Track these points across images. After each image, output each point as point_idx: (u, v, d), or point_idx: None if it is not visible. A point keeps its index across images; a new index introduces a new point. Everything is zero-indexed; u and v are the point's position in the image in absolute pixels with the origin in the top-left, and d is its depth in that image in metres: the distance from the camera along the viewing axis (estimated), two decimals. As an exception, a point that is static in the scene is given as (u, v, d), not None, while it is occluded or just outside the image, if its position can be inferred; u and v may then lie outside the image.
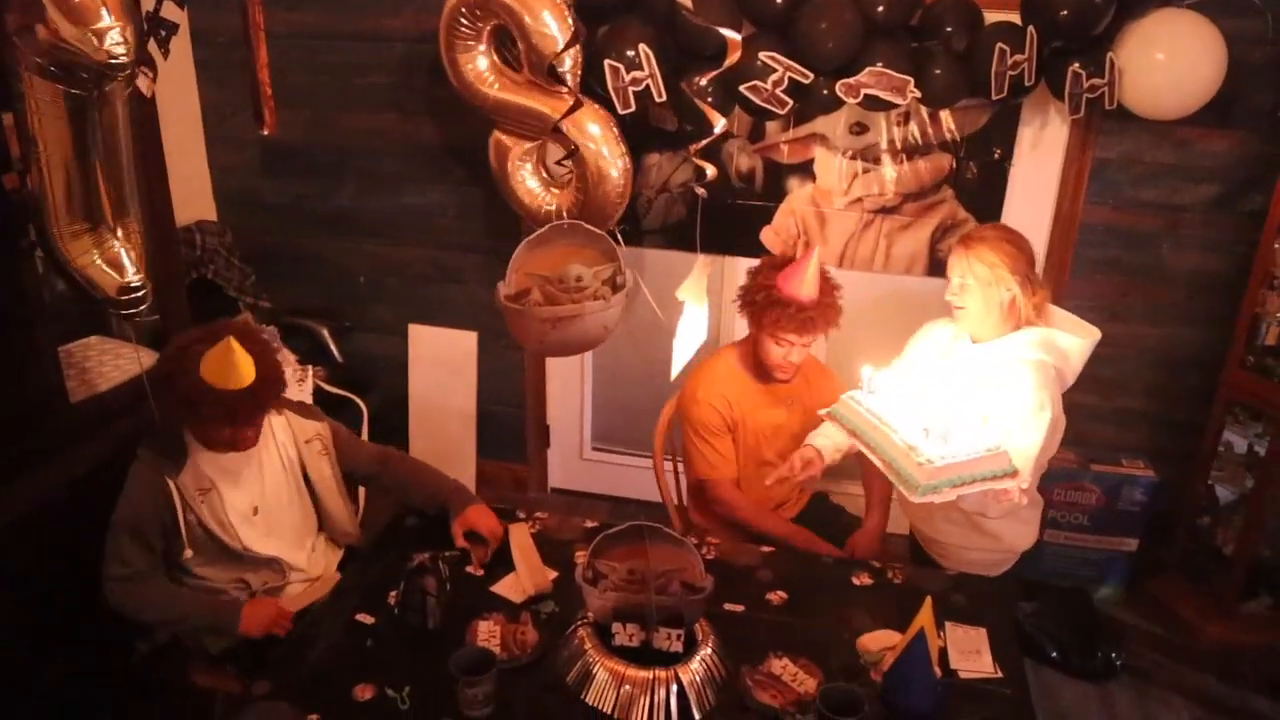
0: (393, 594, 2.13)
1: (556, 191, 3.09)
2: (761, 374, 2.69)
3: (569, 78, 2.84)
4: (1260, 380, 3.09)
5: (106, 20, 1.88)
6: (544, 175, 3.13)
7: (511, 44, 2.91)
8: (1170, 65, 2.81)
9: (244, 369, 2.09)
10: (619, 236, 3.06)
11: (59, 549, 2.38)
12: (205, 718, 2.35)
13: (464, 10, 2.84)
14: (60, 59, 1.91)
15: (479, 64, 2.96)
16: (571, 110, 2.86)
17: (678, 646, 1.83)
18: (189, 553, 2.23)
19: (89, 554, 2.22)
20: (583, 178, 2.95)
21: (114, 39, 1.90)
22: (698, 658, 1.86)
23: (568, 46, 2.73)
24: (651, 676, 1.81)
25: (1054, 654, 3.19)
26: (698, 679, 1.84)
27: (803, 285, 2.49)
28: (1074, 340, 2.25)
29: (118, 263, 2.17)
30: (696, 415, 2.67)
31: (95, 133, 2.05)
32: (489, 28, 2.89)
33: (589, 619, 1.92)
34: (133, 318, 2.28)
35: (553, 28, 2.76)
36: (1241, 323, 3.19)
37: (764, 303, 2.52)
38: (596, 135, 2.92)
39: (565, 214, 3.00)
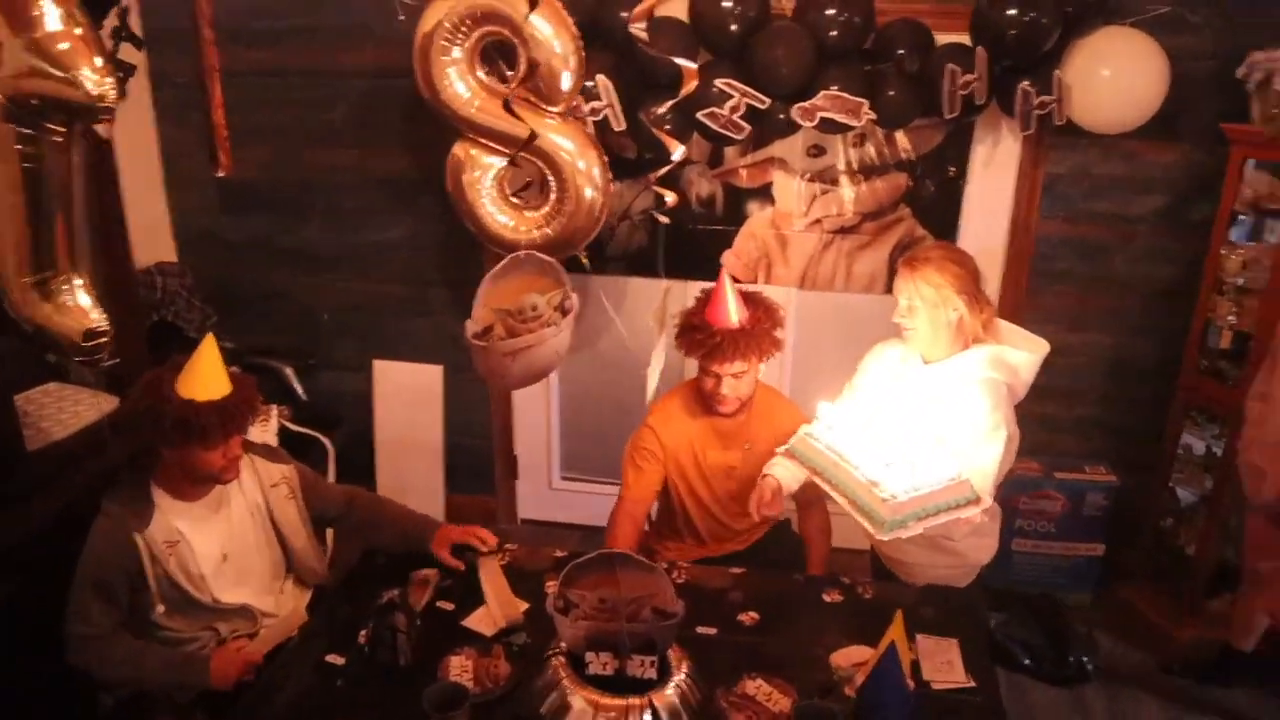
0: (363, 633, 2.11)
1: (530, 215, 3.00)
2: (711, 410, 2.56)
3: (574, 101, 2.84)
4: (1215, 384, 3.15)
5: (99, 62, 1.88)
6: (513, 198, 3.06)
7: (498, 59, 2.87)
8: (1116, 81, 2.89)
9: (222, 373, 2.11)
10: (586, 260, 3.07)
11: (17, 602, 2.34)
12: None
13: (454, 20, 2.76)
14: (36, 101, 1.89)
15: (461, 77, 2.86)
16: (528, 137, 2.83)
17: (651, 673, 1.82)
18: (160, 608, 2.20)
19: (50, 607, 2.17)
20: (562, 197, 2.89)
21: (105, 82, 1.90)
22: (672, 683, 1.85)
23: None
24: (626, 704, 1.79)
25: (1027, 661, 3.21)
26: (673, 704, 1.83)
27: (718, 312, 2.41)
28: (1023, 356, 2.26)
29: (78, 309, 2.14)
30: (635, 437, 2.63)
31: (52, 178, 2.02)
32: (476, 40, 2.82)
33: (562, 649, 1.91)
34: (95, 364, 2.25)
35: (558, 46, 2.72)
36: (1194, 328, 3.26)
37: (685, 332, 2.46)
38: (573, 150, 2.85)
39: (538, 233, 2.95)
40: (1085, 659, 3.19)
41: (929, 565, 2.42)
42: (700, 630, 2.19)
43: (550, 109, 2.80)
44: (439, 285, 3.75)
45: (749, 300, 2.47)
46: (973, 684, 2.05)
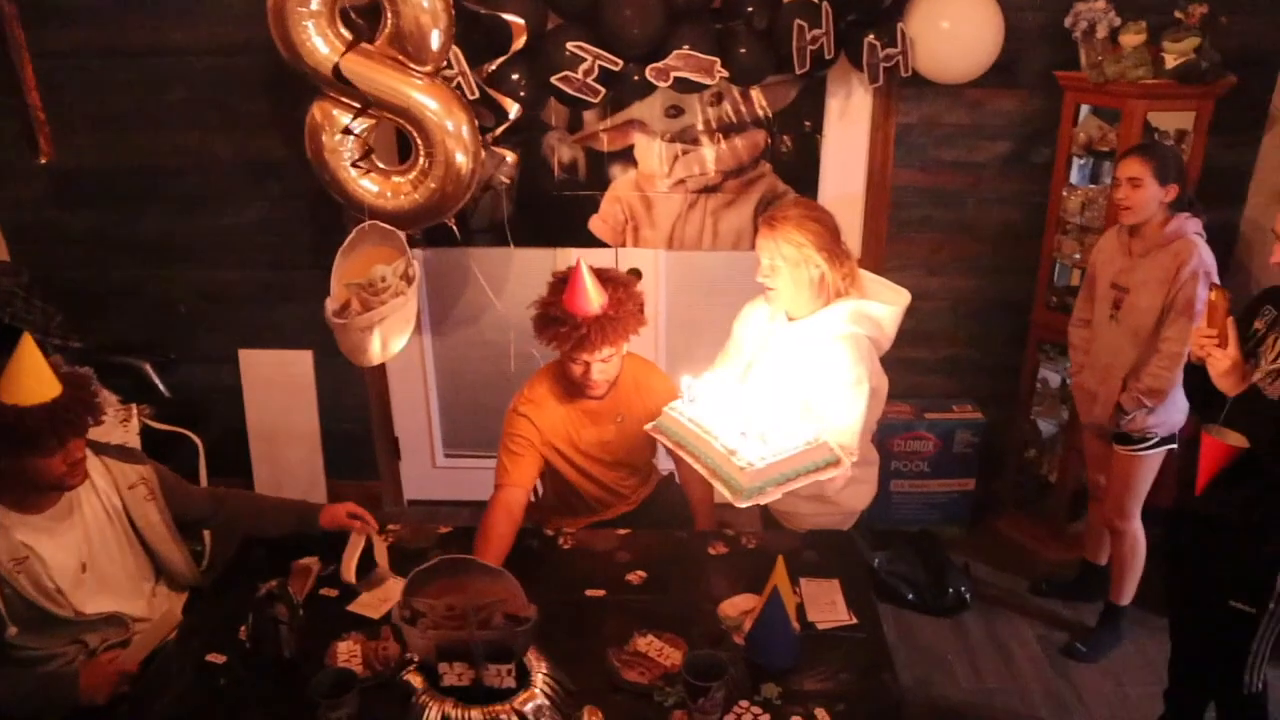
0: (243, 628, 2.04)
1: (397, 180, 2.88)
2: (577, 392, 2.52)
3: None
4: (1065, 318, 3.32)
5: None
6: (376, 161, 2.93)
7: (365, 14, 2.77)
8: (955, 32, 3.00)
9: (46, 373, 1.99)
10: (454, 228, 3.02)
11: None
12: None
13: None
14: None
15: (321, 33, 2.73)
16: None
17: (510, 681, 1.75)
18: (13, 629, 2.06)
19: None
20: (430, 161, 2.79)
21: None
22: (533, 688, 1.79)
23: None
24: (485, 714, 1.73)
25: (910, 596, 3.36)
26: (537, 708, 1.77)
27: (579, 301, 2.34)
28: (884, 309, 2.31)
29: None
30: (508, 424, 2.55)
31: None
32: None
33: (415, 660, 1.83)
34: None
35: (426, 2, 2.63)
36: (1043, 267, 3.44)
37: (547, 325, 2.38)
38: (439, 111, 2.75)
39: (405, 199, 2.86)
40: (963, 588, 3.35)
41: (811, 514, 2.48)
42: (589, 593, 2.20)
43: (418, 69, 2.71)
44: (301, 268, 3.61)
45: (606, 282, 2.40)
46: (855, 621, 2.13)
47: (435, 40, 2.68)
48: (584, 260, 2.39)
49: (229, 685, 1.96)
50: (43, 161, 2.30)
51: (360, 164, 2.86)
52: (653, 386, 2.60)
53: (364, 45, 2.72)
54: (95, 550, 2.18)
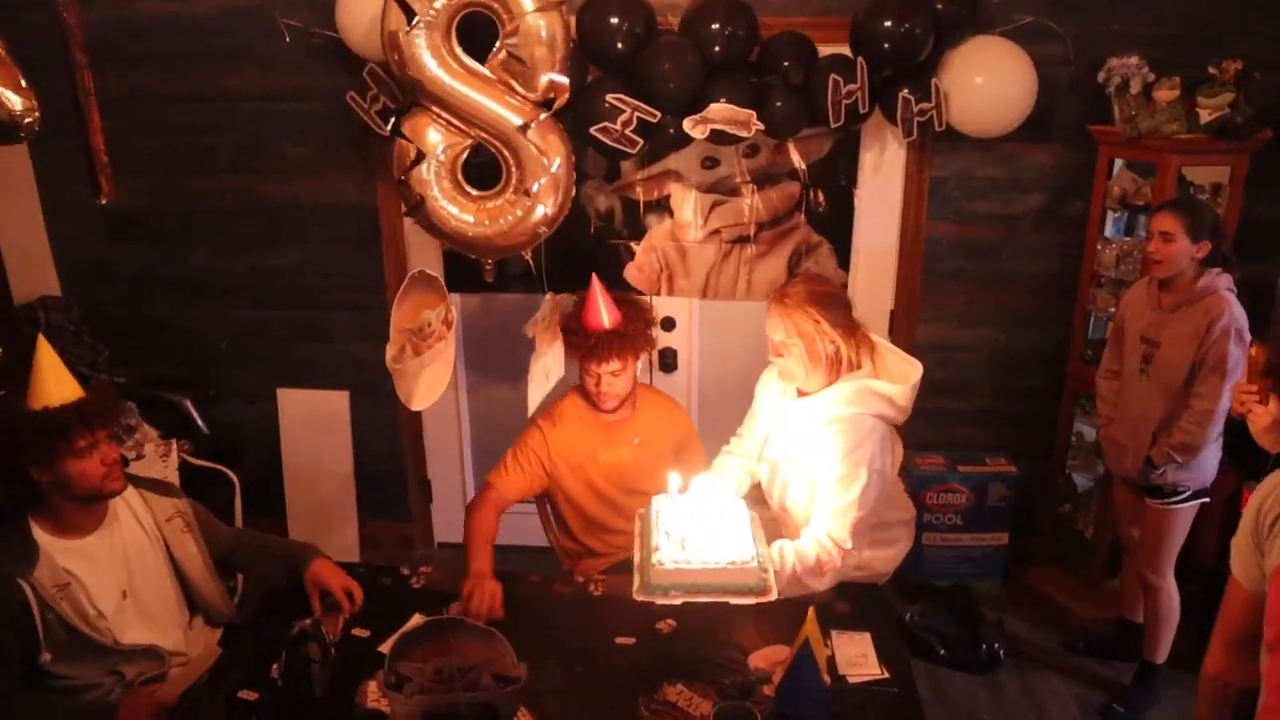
0: (275, 665, 2.05)
1: (487, 206, 2.91)
2: (597, 409, 2.68)
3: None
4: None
5: (22, 83, 1.84)
6: (466, 186, 2.96)
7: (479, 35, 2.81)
8: (989, 87, 3.03)
9: (67, 375, 2.04)
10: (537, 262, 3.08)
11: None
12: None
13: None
14: None
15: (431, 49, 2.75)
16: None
17: None
18: (46, 656, 2.09)
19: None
20: (521, 190, 2.84)
21: (28, 103, 1.84)
22: None
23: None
24: None
25: (942, 651, 3.31)
26: None
27: (591, 315, 2.55)
28: (892, 387, 2.24)
29: None
30: (523, 435, 2.71)
31: None
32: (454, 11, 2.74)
33: None
34: None
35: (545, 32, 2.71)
36: (1077, 320, 3.43)
37: (565, 337, 2.63)
38: (540, 143, 2.80)
39: (490, 227, 2.90)
40: (997, 645, 3.30)
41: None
42: (620, 641, 2.19)
43: (528, 95, 2.77)
44: (340, 309, 3.69)
45: (619, 303, 2.61)
46: (886, 675, 2.10)
47: (547, 68, 2.74)
48: (597, 278, 2.59)
49: (260, 723, 1.97)
50: (103, 202, 2.39)
51: (413, 214, 2.91)
52: (667, 414, 2.76)
53: (478, 67, 2.78)
54: (135, 579, 2.21)
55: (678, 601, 2.04)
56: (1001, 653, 3.29)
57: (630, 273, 3.54)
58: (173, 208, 3.61)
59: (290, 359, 3.79)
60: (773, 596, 2.04)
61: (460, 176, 2.91)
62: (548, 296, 2.80)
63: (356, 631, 2.24)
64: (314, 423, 3.79)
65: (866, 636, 2.22)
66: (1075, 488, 3.70)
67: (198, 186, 3.59)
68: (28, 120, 1.89)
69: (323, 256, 3.63)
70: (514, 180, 2.84)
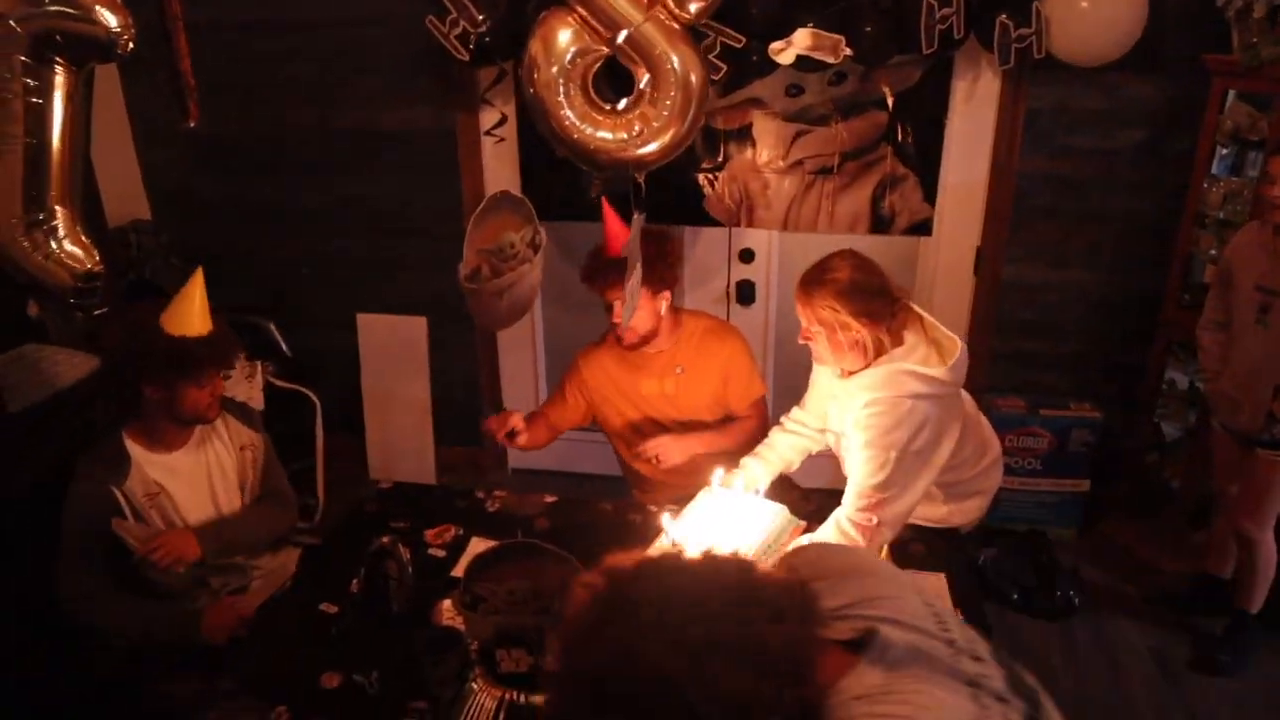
0: (355, 581, 2.12)
1: (621, 120, 2.73)
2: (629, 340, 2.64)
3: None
4: (1197, 318, 3.16)
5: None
6: (594, 98, 2.77)
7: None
8: (1095, 11, 2.86)
9: (207, 311, 2.12)
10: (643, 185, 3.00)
11: (4, 563, 2.34)
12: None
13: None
14: (58, 34, 1.89)
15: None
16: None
17: None
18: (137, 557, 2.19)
19: (36, 567, 2.16)
20: (656, 105, 2.66)
21: (123, 20, 1.88)
22: None
23: None
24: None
25: (1015, 596, 3.26)
26: None
27: (607, 238, 2.51)
28: (929, 369, 2.11)
29: (71, 254, 2.13)
30: (574, 359, 2.80)
31: (54, 119, 2.00)
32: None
33: (474, 646, 1.83)
34: (88, 309, 2.22)
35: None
36: (1176, 263, 3.27)
37: (584, 268, 2.58)
38: (675, 56, 2.59)
39: (628, 142, 2.72)
40: (1071, 592, 3.24)
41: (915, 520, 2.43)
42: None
43: (679, 12, 2.61)
44: (419, 237, 3.71)
45: (643, 234, 2.52)
46: (961, 618, 2.07)
47: None
48: (607, 202, 2.56)
49: (339, 635, 2.03)
50: (191, 125, 2.42)
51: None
52: (716, 348, 2.66)
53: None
54: (219, 495, 2.30)
55: None
56: (1076, 601, 3.23)
57: (710, 203, 3.47)
58: (255, 135, 3.66)
59: (369, 285, 3.85)
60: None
61: (591, 87, 2.75)
62: (637, 217, 2.76)
63: (432, 552, 2.30)
64: (392, 348, 3.85)
65: (941, 578, 2.19)
66: (1163, 437, 3.57)
67: (279, 114, 3.62)
68: (124, 38, 1.91)
69: (401, 183, 3.65)
70: (646, 94, 2.68)
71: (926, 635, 1.08)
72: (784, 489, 2.70)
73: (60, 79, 1.99)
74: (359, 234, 3.76)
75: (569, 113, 2.69)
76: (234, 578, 2.33)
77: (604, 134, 2.71)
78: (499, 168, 3.56)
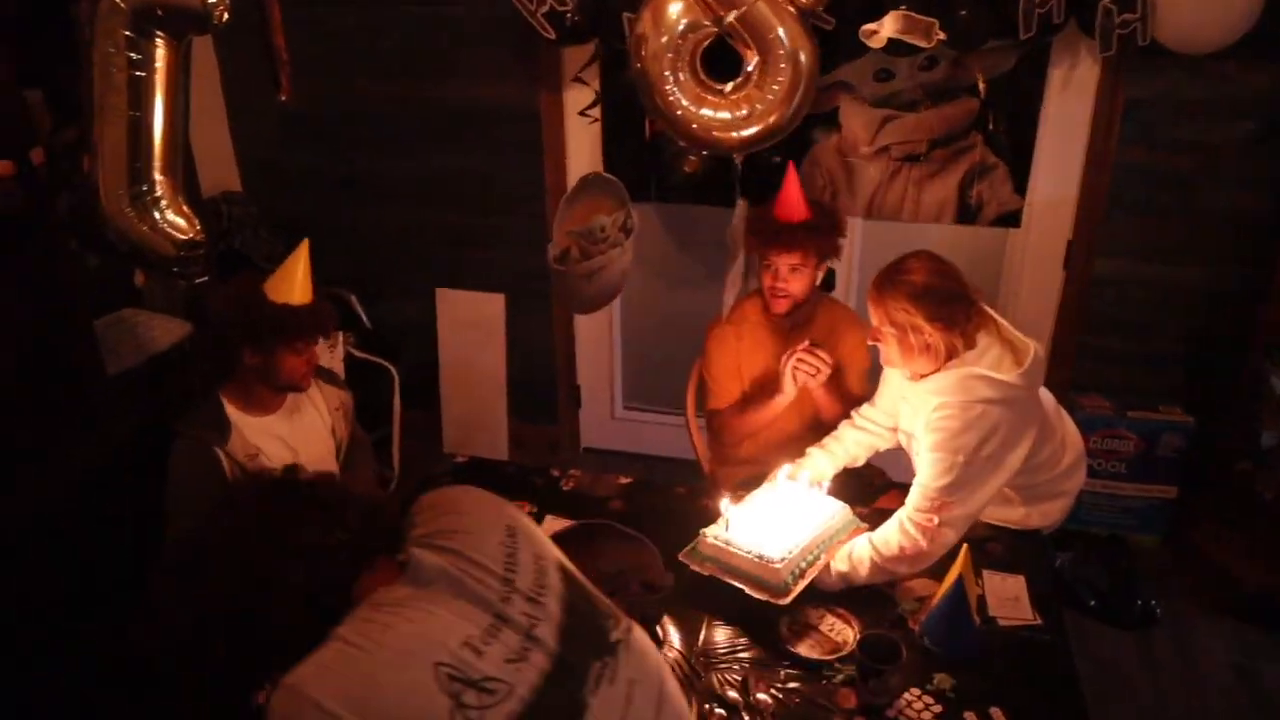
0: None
1: (727, 99, 2.69)
2: (775, 308, 2.64)
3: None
4: (1300, 320, 3.03)
5: None
6: (702, 77, 2.74)
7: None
8: (1206, -3, 2.73)
9: (309, 281, 2.17)
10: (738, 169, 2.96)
11: (96, 521, 2.43)
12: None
13: None
14: (159, 7, 1.94)
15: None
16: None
17: None
18: None
19: (128, 527, 2.24)
20: (764, 84, 2.62)
21: None
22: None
23: None
24: None
25: (1093, 603, 3.17)
26: None
27: (784, 204, 2.53)
28: (1002, 375, 2.06)
29: (173, 223, 2.19)
30: (704, 351, 2.75)
31: (157, 90, 2.06)
32: None
33: None
34: (190, 277, 2.29)
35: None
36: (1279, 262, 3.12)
37: (753, 224, 2.61)
38: (785, 34, 2.53)
39: (733, 121, 2.70)
40: (1153, 602, 3.13)
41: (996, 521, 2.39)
42: (764, 559, 2.19)
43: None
44: (500, 214, 3.74)
45: (814, 203, 2.59)
46: (1039, 622, 2.03)
47: None
48: (793, 166, 2.58)
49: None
50: (283, 99, 2.47)
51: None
52: (845, 335, 2.67)
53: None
54: (311, 459, 2.35)
55: (706, 574, 2.05)
56: (1158, 611, 3.13)
57: (791, 189, 3.42)
58: (343, 110, 3.71)
59: (449, 260, 3.88)
60: (785, 601, 1.98)
61: (699, 65, 2.72)
62: (741, 203, 2.74)
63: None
64: (470, 323, 3.89)
65: (1020, 580, 2.15)
66: (1259, 445, 3.42)
67: (367, 89, 3.66)
68: (219, 10, 1.95)
69: (484, 161, 3.67)
70: (755, 75, 2.64)
71: (479, 569, 1.25)
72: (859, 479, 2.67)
73: (161, 52, 2.04)
74: (440, 209, 3.80)
75: (674, 88, 2.66)
76: None
77: (707, 112, 2.68)
78: (581, 148, 3.56)
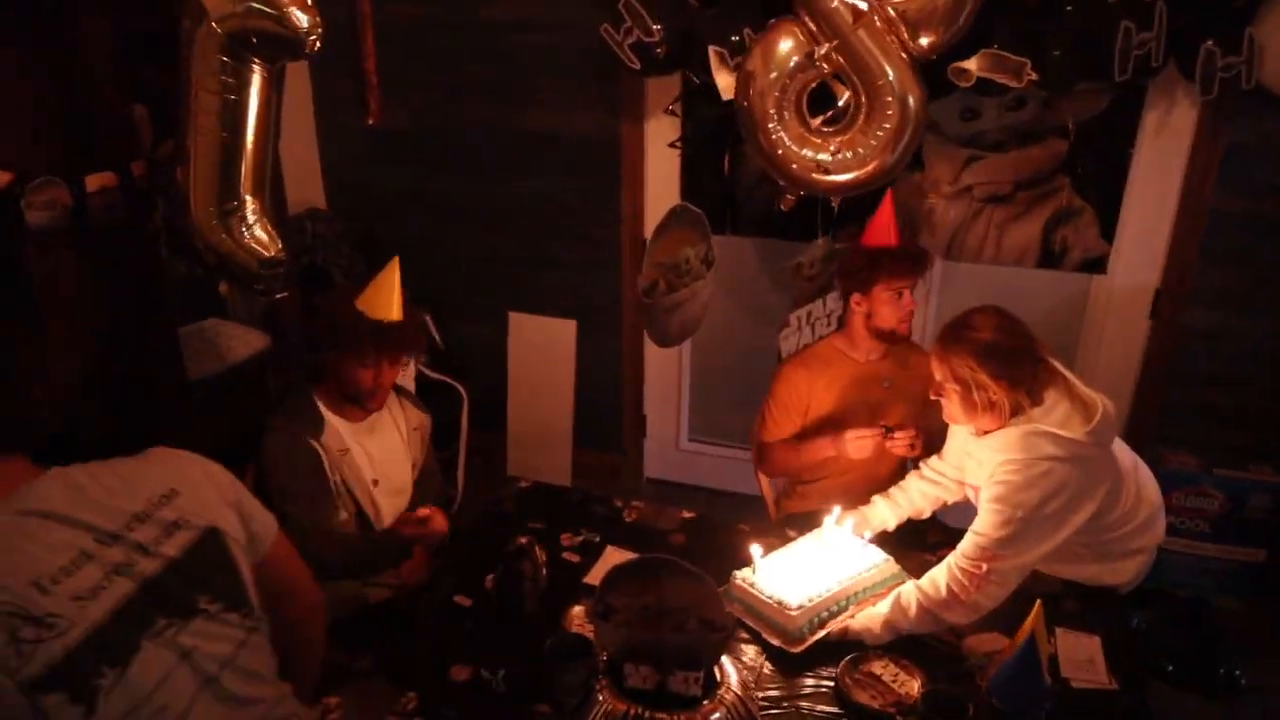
0: (490, 577, 2.15)
1: (833, 139, 2.63)
2: (859, 351, 2.64)
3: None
4: None
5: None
6: (808, 117, 2.68)
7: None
8: (1317, 41, 2.62)
9: (394, 299, 2.19)
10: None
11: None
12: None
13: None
14: (253, 34, 2.00)
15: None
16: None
17: (695, 690, 1.68)
18: (344, 515, 2.27)
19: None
20: (868, 126, 2.56)
21: (313, 20, 1.99)
22: (719, 700, 1.73)
23: None
24: None
25: (1171, 668, 3.02)
26: None
27: (880, 230, 2.51)
28: (1068, 433, 2.00)
29: (258, 240, 2.25)
30: (774, 383, 2.71)
31: (250, 113, 2.12)
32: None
33: (603, 657, 1.82)
34: (269, 293, 2.35)
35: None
36: (1388, 320, 2.97)
37: (867, 264, 2.50)
38: (893, 74, 2.46)
39: (833, 163, 2.63)
40: (1237, 671, 2.98)
41: (1070, 578, 2.30)
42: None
43: (910, 44, 2.48)
44: (574, 241, 3.77)
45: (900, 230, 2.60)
46: (1114, 686, 1.94)
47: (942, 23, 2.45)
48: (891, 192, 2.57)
49: (472, 628, 2.07)
50: (370, 122, 2.53)
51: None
52: (917, 363, 2.61)
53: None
54: (387, 469, 2.38)
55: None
56: (1241, 680, 2.97)
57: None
58: (427, 133, 3.79)
59: (521, 285, 3.92)
60: (798, 649, 1.97)
61: (804, 106, 2.67)
62: (821, 239, 2.70)
63: (567, 555, 2.31)
64: (541, 348, 3.91)
65: (1096, 640, 2.06)
66: (1355, 510, 3.25)
67: (452, 113, 3.74)
68: (312, 38, 2.00)
69: (561, 187, 3.71)
70: (862, 118, 2.59)
71: (95, 509, 1.37)
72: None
73: (255, 76, 2.09)
74: (517, 233, 3.84)
75: (777, 126, 2.63)
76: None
77: (808, 153, 2.63)
78: (660, 178, 3.57)
